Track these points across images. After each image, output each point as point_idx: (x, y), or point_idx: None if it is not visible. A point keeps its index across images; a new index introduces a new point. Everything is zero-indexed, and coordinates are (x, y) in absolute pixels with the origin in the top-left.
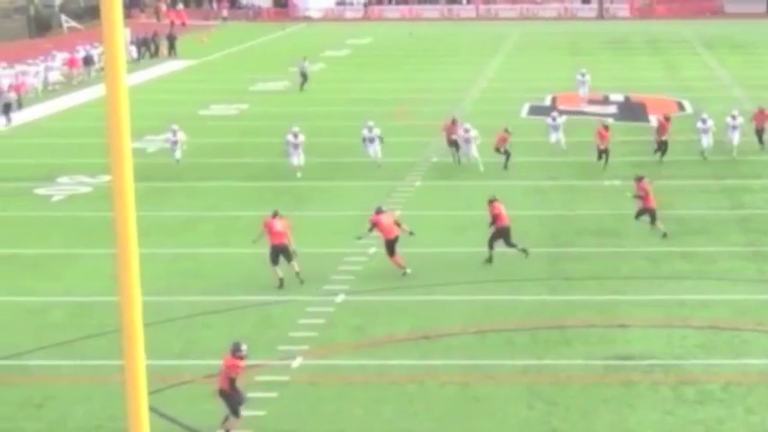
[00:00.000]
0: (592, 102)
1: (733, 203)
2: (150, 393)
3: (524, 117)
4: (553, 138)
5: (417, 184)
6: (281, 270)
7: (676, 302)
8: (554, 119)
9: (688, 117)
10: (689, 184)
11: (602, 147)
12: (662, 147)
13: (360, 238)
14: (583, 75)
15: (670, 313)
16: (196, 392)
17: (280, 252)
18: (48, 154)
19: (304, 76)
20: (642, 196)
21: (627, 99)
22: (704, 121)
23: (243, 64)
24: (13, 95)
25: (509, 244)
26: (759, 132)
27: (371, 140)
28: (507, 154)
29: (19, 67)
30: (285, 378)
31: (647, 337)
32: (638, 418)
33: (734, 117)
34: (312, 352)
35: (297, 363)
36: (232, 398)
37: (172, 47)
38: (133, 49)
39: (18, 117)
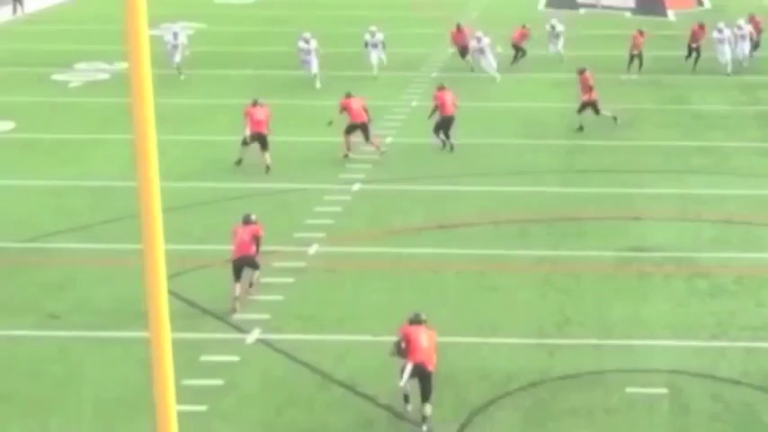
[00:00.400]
0: None
1: (750, 99)
2: (169, 277)
3: (541, 9)
4: (552, 49)
5: (433, 75)
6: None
7: (691, 196)
8: (553, 27)
9: (706, 12)
10: (706, 80)
11: (635, 51)
12: (692, 53)
13: (330, 122)
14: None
15: (684, 207)
16: (214, 276)
17: (257, 140)
18: (65, 40)
19: None
20: (585, 89)
21: None
22: (720, 31)
23: None
24: None
25: (447, 135)
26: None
27: (374, 46)
28: (522, 51)
29: None
30: (302, 264)
31: (661, 230)
32: (650, 310)
33: (740, 27)
34: (328, 239)
35: (313, 249)
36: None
37: None
38: None
39: (35, 3)
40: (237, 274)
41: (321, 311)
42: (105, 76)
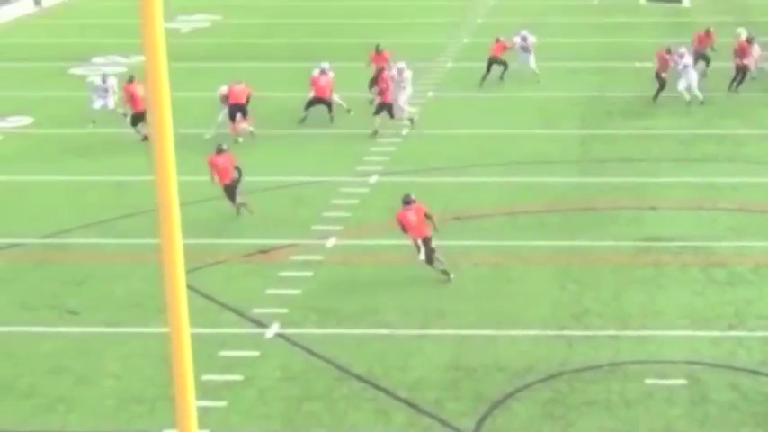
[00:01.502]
0: None
1: (763, 86)
2: (188, 272)
3: None
4: (523, 61)
5: (449, 65)
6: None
7: (707, 185)
8: (524, 39)
9: None
10: (722, 66)
11: (702, 50)
12: (740, 73)
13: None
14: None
15: (700, 195)
16: (232, 271)
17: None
18: (82, 34)
19: None
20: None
21: None
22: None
23: None
24: None
25: (391, 115)
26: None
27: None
28: (504, 65)
29: None
30: (319, 257)
31: (677, 219)
32: (667, 299)
33: (682, 56)
34: (346, 232)
35: (331, 242)
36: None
37: None
38: None
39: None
40: (232, 198)
41: (339, 305)
42: (122, 69)
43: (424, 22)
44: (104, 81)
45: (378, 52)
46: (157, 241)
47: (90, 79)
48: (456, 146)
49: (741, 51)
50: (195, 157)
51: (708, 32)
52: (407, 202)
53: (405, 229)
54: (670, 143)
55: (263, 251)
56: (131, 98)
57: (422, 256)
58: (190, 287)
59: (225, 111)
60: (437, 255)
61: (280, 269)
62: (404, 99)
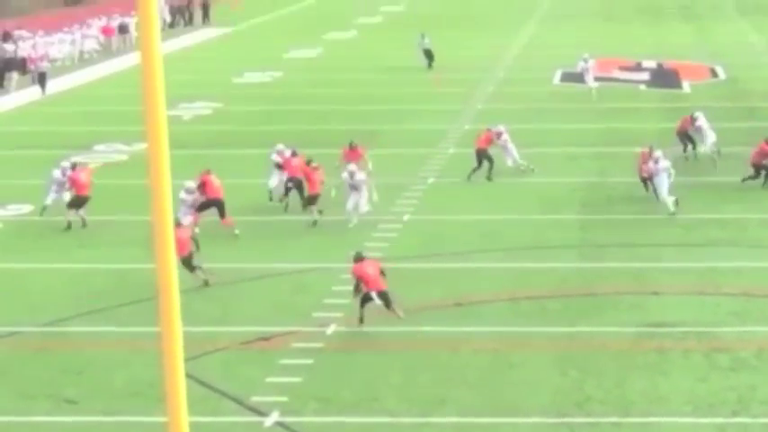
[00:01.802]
0: (624, 68)
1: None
2: (187, 360)
3: (557, 84)
4: (509, 162)
5: (450, 151)
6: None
7: (709, 269)
8: (499, 135)
9: (720, 83)
10: (723, 151)
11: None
12: (759, 172)
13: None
14: (585, 60)
15: (703, 280)
16: (232, 359)
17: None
18: (84, 122)
19: (428, 53)
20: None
21: (659, 66)
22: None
23: (276, 31)
24: (47, 65)
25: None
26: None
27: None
28: (489, 159)
29: (56, 36)
30: (320, 345)
31: (679, 305)
32: (671, 386)
33: (657, 161)
34: (346, 319)
35: (331, 329)
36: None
37: (206, 14)
38: (167, 15)
39: (54, 85)
40: (191, 269)
41: (339, 393)
42: (124, 157)
43: (425, 108)
44: (64, 174)
45: (351, 148)
46: (157, 329)
47: (54, 171)
48: (456, 231)
49: (762, 153)
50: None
51: (692, 118)
52: (360, 257)
53: (364, 282)
54: (671, 228)
55: (264, 338)
56: (75, 183)
57: (378, 301)
58: (189, 375)
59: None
60: (393, 306)
61: (280, 357)
62: (362, 202)
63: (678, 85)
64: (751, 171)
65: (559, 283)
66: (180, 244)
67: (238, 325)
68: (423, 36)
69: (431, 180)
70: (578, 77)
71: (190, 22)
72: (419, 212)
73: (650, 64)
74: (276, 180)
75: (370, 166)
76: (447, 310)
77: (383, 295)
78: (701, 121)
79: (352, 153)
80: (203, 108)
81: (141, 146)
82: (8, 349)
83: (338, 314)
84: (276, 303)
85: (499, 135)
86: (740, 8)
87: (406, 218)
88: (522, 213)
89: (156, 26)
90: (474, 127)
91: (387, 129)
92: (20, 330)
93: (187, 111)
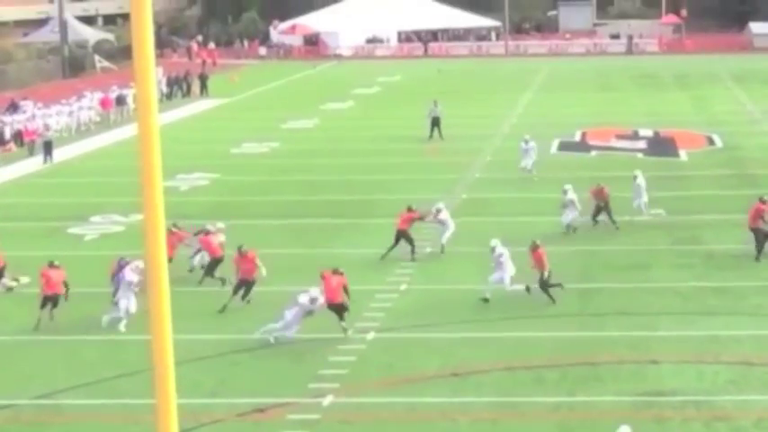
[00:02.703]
0: (621, 137)
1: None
2: None
3: (554, 153)
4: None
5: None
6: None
7: (708, 338)
8: (526, 142)
9: (717, 151)
10: (720, 219)
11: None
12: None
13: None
14: (526, 142)
15: (702, 349)
16: (228, 431)
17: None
18: (81, 193)
19: (435, 120)
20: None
21: (656, 134)
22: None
23: (274, 102)
24: (52, 134)
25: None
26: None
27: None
28: (409, 240)
29: (54, 108)
30: (316, 416)
31: (678, 373)
32: None
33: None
34: (343, 390)
35: (328, 401)
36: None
37: (204, 86)
38: (164, 87)
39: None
40: (54, 305)
41: None
42: (120, 228)
43: (421, 178)
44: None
45: (171, 233)
46: (152, 401)
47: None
48: (453, 300)
49: (757, 213)
50: (188, 316)
51: (600, 188)
52: (337, 271)
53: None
54: (669, 296)
55: (259, 410)
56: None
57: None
58: None
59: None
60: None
61: (276, 428)
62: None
63: (675, 153)
64: (751, 236)
65: (557, 352)
66: (50, 284)
67: (234, 396)
68: (435, 103)
69: (428, 249)
70: (576, 146)
71: (187, 93)
72: (416, 282)
73: (647, 132)
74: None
75: (263, 271)
76: (444, 379)
77: (334, 307)
78: (640, 179)
79: (172, 236)
80: (200, 179)
81: (137, 217)
82: (1, 423)
83: (335, 385)
84: (272, 374)
85: (438, 212)
86: (736, 76)
87: (402, 287)
88: (518, 281)
89: (154, 98)
90: (471, 196)
91: (382, 198)
92: (12, 403)
93: (184, 181)
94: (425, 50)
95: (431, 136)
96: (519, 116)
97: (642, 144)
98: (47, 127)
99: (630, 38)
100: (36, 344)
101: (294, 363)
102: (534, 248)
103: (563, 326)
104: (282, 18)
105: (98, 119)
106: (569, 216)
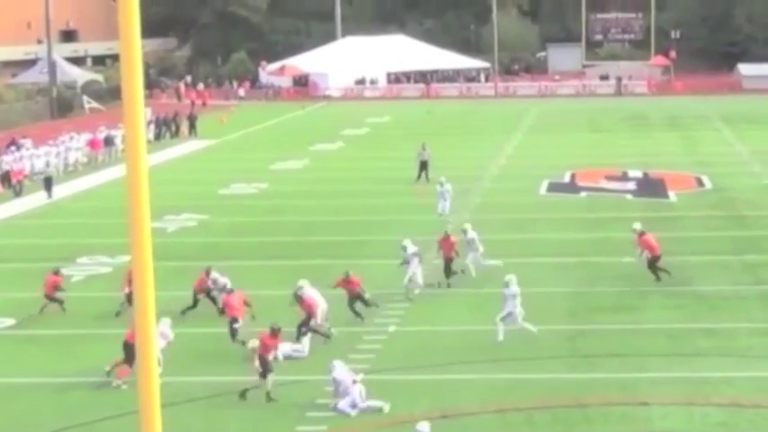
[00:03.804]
0: (610, 178)
1: (754, 279)
2: None
3: (543, 194)
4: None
5: (436, 262)
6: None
7: (698, 380)
8: (441, 185)
9: (707, 192)
10: (709, 260)
11: None
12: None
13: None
14: (441, 184)
15: (692, 391)
16: None
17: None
18: (68, 234)
19: (424, 164)
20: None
21: (645, 175)
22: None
23: (262, 143)
24: (52, 170)
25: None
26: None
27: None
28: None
29: (42, 149)
30: None
31: (668, 415)
32: None
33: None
34: (332, 431)
35: None
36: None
37: (192, 127)
38: (152, 128)
39: (37, 198)
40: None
41: None
42: (107, 269)
43: (410, 219)
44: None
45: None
46: None
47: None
48: (442, 342)
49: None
50: (178, 359)
51: (447, 237)
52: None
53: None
54: (659, 338)
55: None
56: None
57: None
58: None
59: None
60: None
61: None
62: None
63: (664, 194)
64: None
65: (547, 394)
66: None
67: None
68: (423, 147)
69: (417, 291)
70: (566, 188)
71: (176, 134)
72: (404, 323)
73: (636, 173)
74: None
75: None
76: (434, 422)
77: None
78: (471, 233)
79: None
80: (188, 220)
81: (124, 258)
82: None
83: (322, 427)
84: (260, 417)
85: (405, 249)
86: (725, 117)
87: (391, 329)
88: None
89: (143, 139)
90: (461, 237)
91: (372, 239)
92: None
93: (172, 223)
94: (427, 91)
95: (418, 177)
96: (508, 157)
97: (631, 185)
98: (28, 169)
99: (619, 79)
100: (23, 386)
101: (282, 404)
102: (640, 234)
103: (553, 368)
104: (270, 59)
105: (85, 160)
106: (469, 256)
